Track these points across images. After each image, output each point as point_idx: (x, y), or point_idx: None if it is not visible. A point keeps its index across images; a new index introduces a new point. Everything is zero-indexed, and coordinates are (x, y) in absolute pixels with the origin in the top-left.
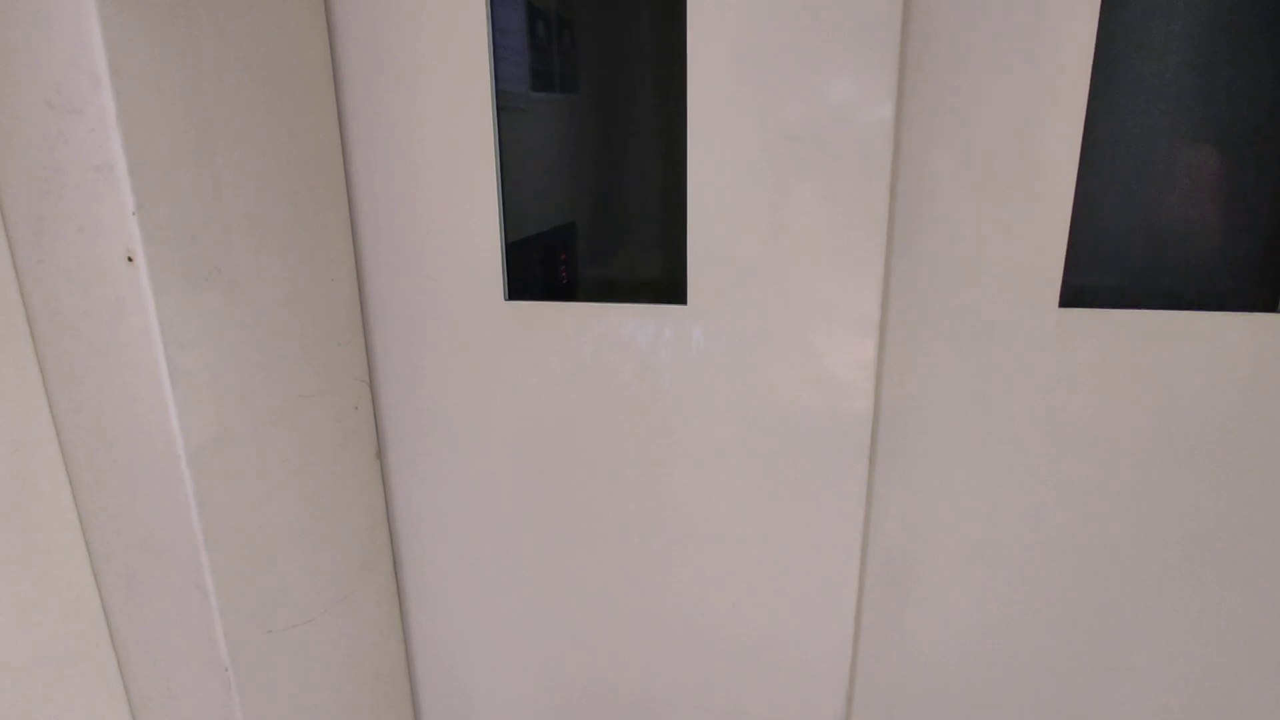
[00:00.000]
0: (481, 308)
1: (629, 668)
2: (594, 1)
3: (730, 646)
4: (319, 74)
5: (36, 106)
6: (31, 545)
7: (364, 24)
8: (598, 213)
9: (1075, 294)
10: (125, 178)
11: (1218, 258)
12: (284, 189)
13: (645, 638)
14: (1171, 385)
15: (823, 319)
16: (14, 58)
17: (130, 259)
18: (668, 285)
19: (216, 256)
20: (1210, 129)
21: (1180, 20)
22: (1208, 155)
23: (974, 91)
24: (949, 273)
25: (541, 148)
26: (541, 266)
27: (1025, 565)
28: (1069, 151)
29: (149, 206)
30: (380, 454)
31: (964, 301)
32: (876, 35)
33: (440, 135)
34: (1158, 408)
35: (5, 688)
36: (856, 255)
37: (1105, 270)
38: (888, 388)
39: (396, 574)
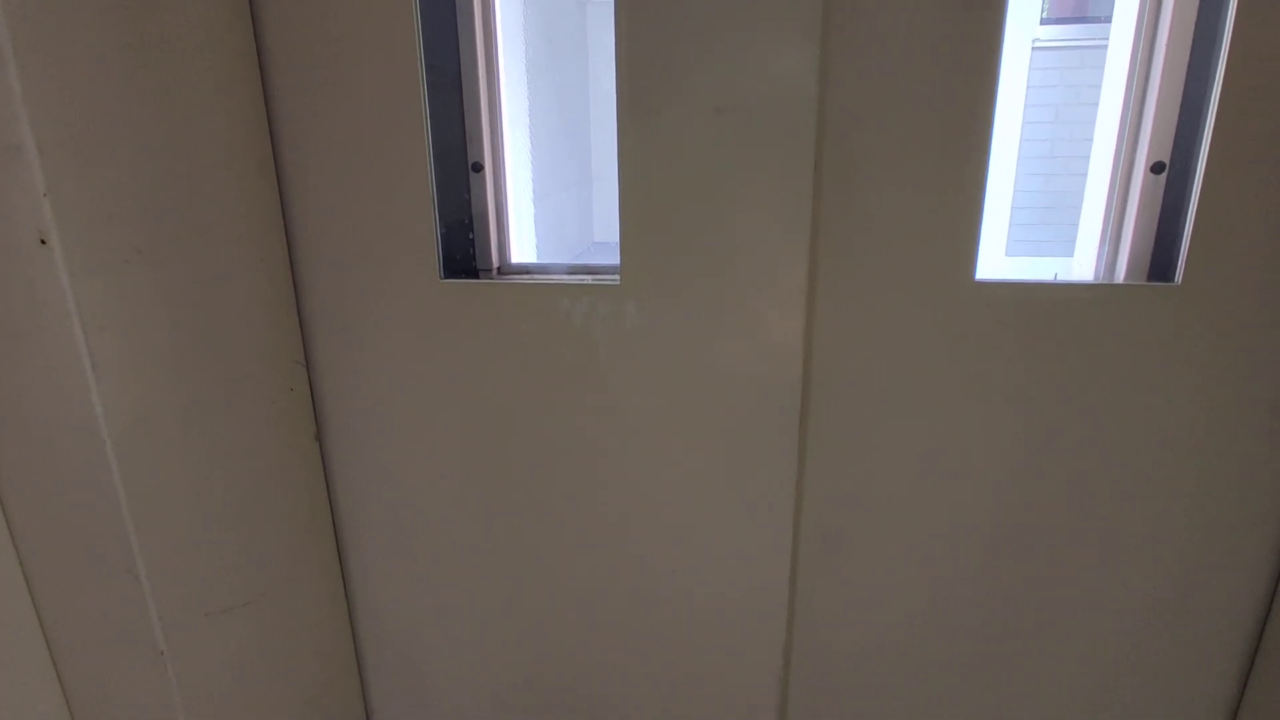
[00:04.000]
0: (418, 286)
1: (575, 636)
2: None
3: (672, 611)
4: (241, 45)
5: None
6: None
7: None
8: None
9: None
10: (35, 157)
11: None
12: (208, 166)
13: (590, 607)
14: (1082, 352)
15: (752, 291)
16: None
17: (43, 241)
18: None
19: (136, 237)
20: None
21: None
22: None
23: (898, 66)
24: (875, 244)
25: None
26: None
27: (954, 526)
28: (984, 129)
29: (61, 187)
30: (319, 435)
31: (889, 271)
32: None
33: (371, 110)
34: (1073, 372)
35: None
36: (784, 227)
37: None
38: (817, 356)
39: (340, 554)
